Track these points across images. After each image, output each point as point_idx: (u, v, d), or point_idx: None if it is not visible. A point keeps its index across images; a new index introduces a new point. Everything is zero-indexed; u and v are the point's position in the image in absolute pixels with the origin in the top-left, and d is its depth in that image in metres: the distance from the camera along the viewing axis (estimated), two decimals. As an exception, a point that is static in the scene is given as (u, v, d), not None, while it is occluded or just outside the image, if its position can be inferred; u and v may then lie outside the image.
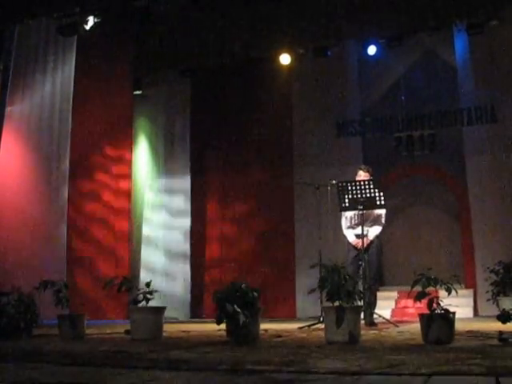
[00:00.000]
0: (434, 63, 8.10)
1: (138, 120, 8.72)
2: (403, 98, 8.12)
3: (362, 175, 5.20)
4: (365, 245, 4.94)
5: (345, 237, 5.23)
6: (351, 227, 5.18)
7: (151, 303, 3.58)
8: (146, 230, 8.64)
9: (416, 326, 3.51)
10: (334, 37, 7.67)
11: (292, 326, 4.93)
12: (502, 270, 5.63)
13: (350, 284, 3.21)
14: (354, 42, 8.15)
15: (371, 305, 4.89)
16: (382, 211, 5.11)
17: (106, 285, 3.59)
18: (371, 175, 5.22)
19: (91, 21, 7.10)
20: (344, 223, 5.27)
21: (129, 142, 8.26)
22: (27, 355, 2.45)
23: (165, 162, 8.86)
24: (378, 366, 2.00)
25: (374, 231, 5.09)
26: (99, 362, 2.22)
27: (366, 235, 4.98)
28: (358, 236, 5.10)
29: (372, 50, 8.06)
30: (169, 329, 4.21)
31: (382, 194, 4.86)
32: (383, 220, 5.16)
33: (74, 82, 7.01)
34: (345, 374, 1.86)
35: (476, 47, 7.61)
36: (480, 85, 7.67)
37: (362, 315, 3.71)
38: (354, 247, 5.08)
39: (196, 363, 2.13)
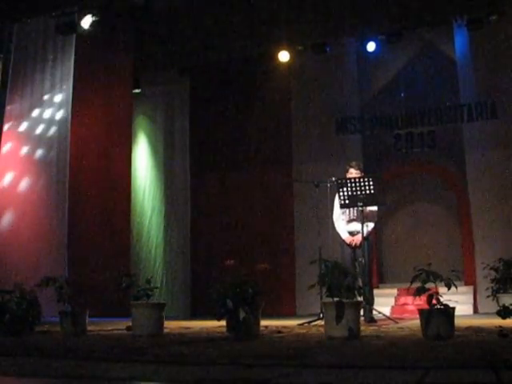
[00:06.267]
0: (434, 59, 8.08)
1: (137, 118, 8.72)
2: (403, 94, 8.11)
3: (354, 172, 5.19)
4: (359, 242, 4.95)
5: (338, 233, 5.22)
6: (349, 221, 5.16)
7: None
8: (145, 228, 8.64)
9: (416, 323, 3.52)
10: (333, 33, 7.67)
11: (292, 322, 4.94)
12: (502, 267, 5.62)
13: (349, 280, 3.22)
14: (353, 39, 8.13)
15: (370, 301, 4.90)
16: (375, 207, 5.11)
17: (105, 282, 3.60)
18: (362, 172, 5.22)
19: (90, 19, 7.10)
20: (339, 221, 5.23)
21: (128, 141, 8.26)
22: (29, 350, 2.46)
23: (164, 160, 8.86)
24: (378, 359, 2.01)
25: (368, 226, 5.09)
26: (101, 356, 2.23)
27: (359, 232, 4.98)
28: (350, 233, 5.11)
29: (371, 46, 8.05)
30: (170, 325, 4.22)
31: (381, 190, 4.87)
32: (375, 216, 5.16)
33: (73, 81, 7.00)
34: (344, 367, 1.87)
35: (476, 43, 7.59)
36: (480, 81, 7.65)
37: (361, 312, 3.72)
38: (348, 244, 5.09)
39: (197, 358, 2.14)
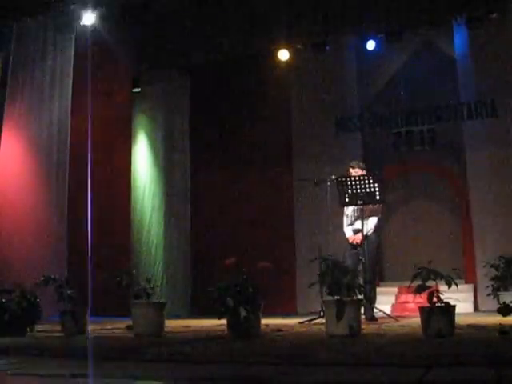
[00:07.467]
0: (434, 57, 8.07)
1: (137, 118, 8.71)
2: (402, 93, 8.10)
3: (353, 172, 5.20)
4: (360, 240, 4.96)
5: (345, 234, 5.25)
6: (350, 224, 5.19)
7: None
8: (145, 227, 8.64)
9: (416, 321, 3.52)
10: (333, 32, 7.65)
11: (293, 320, 4.94)
12: (502, 265, 5.62)
13: (349, 278, 3.22)
14: (353, 37, 8.11)
15: (371, 299, 4.91)
16: None
17: (106, 281, 3.60)
18: (363, 170, 5.23)
19: (89, 18, 7.10)
20: (345, 221, 5.29)
21: (128, 140, 8.25)
22: (29, 350, 2.46)
23: (164, 159, 8.85)
24: (379, 357, 2.00)
25: (371, 222, 5.10)
26: (101, 356, 2.22)
27: (363, 230, 4.98)
28: (354, 231, 5.13)
29: (371, 44, 8.04)
30: (170, 324, 4.22)
31: (381, 188, 4.87)
32: (379, 211, 5.17)
33: (73, 80, 7.00)
34: (345, 365, 1.87)
35: (476, 41, 7.58)
36: (480, 79, 7.64)
37: (362, 310, 3.72)
38: (351, 243, 5.10)
39: (197, 356, 2.13)
